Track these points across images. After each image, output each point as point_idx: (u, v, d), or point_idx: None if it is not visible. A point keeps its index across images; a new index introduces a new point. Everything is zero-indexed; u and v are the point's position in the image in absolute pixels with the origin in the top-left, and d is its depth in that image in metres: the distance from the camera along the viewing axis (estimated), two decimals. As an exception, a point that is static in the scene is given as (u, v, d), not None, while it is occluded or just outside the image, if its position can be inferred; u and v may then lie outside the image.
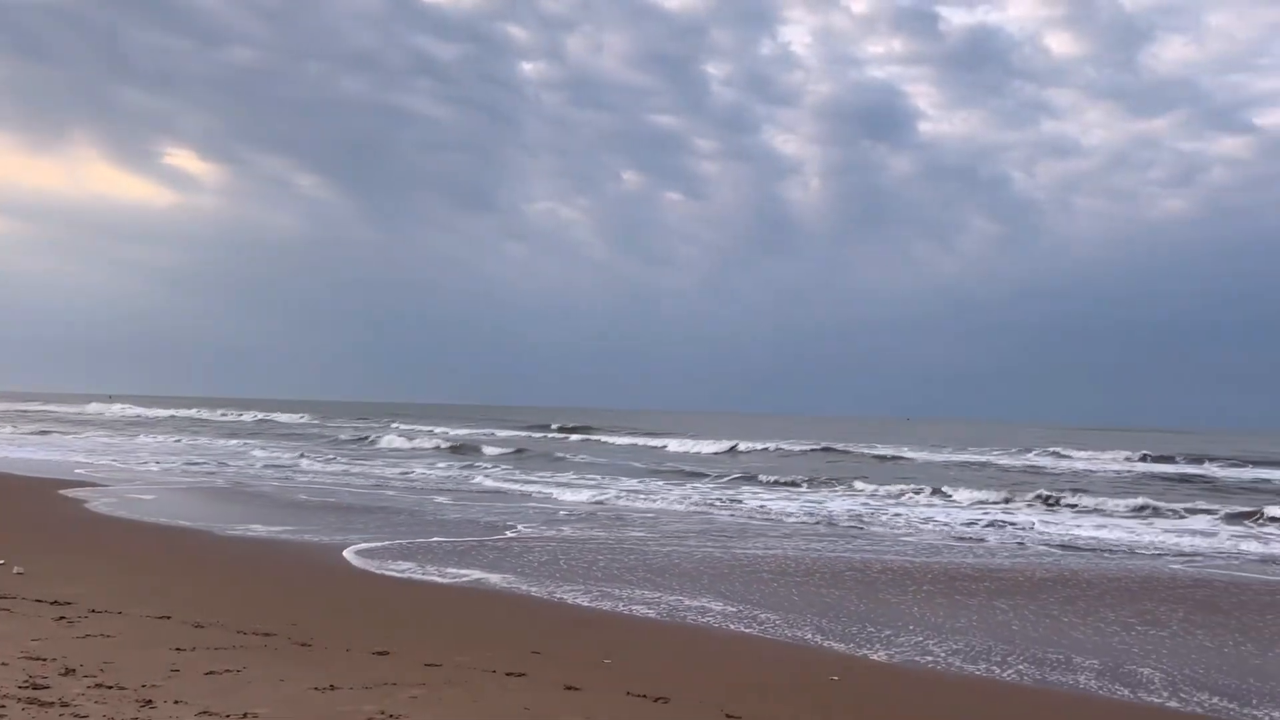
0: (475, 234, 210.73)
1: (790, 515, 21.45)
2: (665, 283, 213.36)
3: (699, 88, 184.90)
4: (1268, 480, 33.75)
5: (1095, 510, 23.59)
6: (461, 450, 44.52)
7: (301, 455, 38.10)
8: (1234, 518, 21.96)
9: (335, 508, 20.44)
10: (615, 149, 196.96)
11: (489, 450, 44.18)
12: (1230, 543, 18.29)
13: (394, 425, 63.93)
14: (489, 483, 28.47)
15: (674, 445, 47.94)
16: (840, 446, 47.78)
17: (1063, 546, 17.42)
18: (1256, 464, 40.67)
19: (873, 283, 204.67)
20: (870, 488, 27.69)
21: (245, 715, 5.86)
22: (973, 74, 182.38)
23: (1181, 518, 22.18)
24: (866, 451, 45.51)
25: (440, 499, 23.12)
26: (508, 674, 7.50)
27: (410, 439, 49.31)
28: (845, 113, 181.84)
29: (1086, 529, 19.97)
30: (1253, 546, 17.83)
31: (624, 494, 25.47)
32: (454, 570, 13.05)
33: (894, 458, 42.80)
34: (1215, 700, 7.94)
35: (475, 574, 12.79)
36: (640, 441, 51.93)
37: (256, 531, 16.37)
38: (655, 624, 10.27)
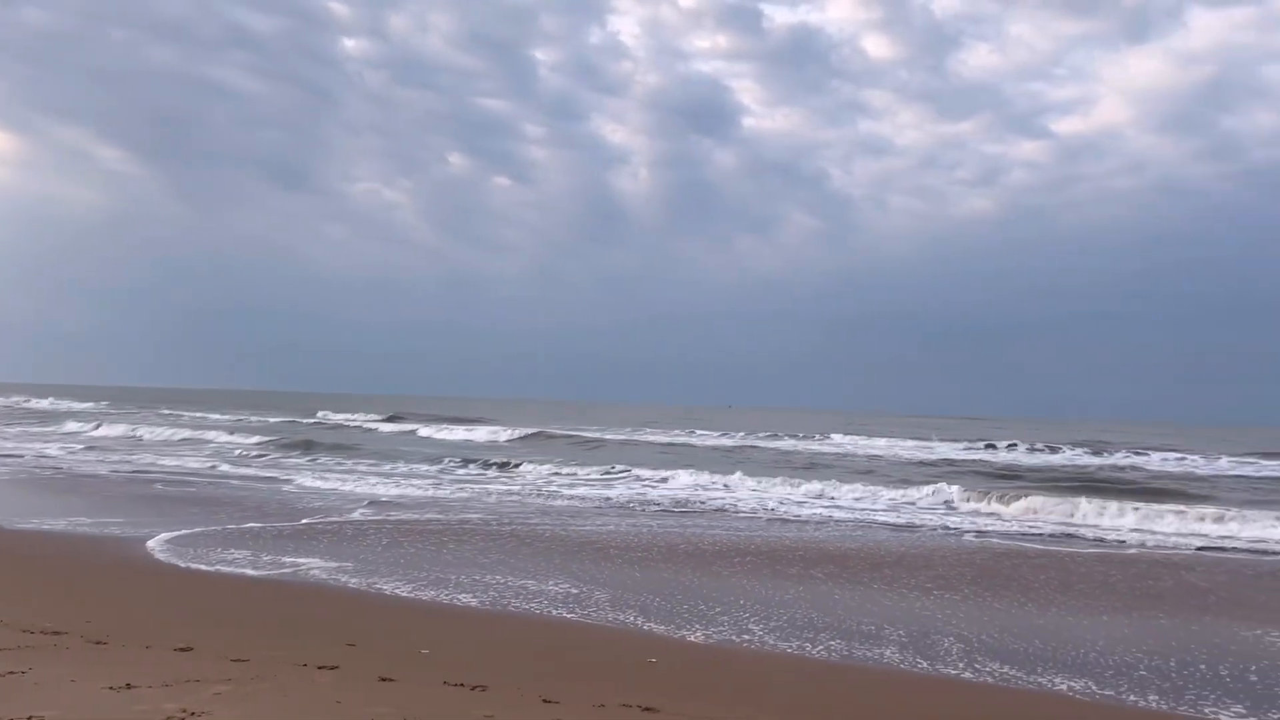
0: (293, 214, 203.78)
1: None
2: (493, 269, 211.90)
3: (527, 73, 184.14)
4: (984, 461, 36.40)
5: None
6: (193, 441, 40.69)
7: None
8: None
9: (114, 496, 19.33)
10: (441, 131, 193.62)
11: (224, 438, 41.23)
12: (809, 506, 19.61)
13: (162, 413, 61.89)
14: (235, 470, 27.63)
15: (460, 433, 48.36)
16: (554, 430, 49.28)
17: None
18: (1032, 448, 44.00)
19: (699, 273, 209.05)
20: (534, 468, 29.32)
21: (30, 718, 5.46)
22: (794, 72, 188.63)
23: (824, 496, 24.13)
24: (579, 434, 47.61)
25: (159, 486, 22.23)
26: (319, 667, 7.26)
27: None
28: (673, 105, 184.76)
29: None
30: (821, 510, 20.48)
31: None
32: (268, 559, 12.57)
33: (598, 440, 44.67)
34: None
35: (292, 563, 12.36)
36: (414, 429, 51.47)
37: (50, 525, 15.31)
38: (478, 613, 10.19)
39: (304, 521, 16.76)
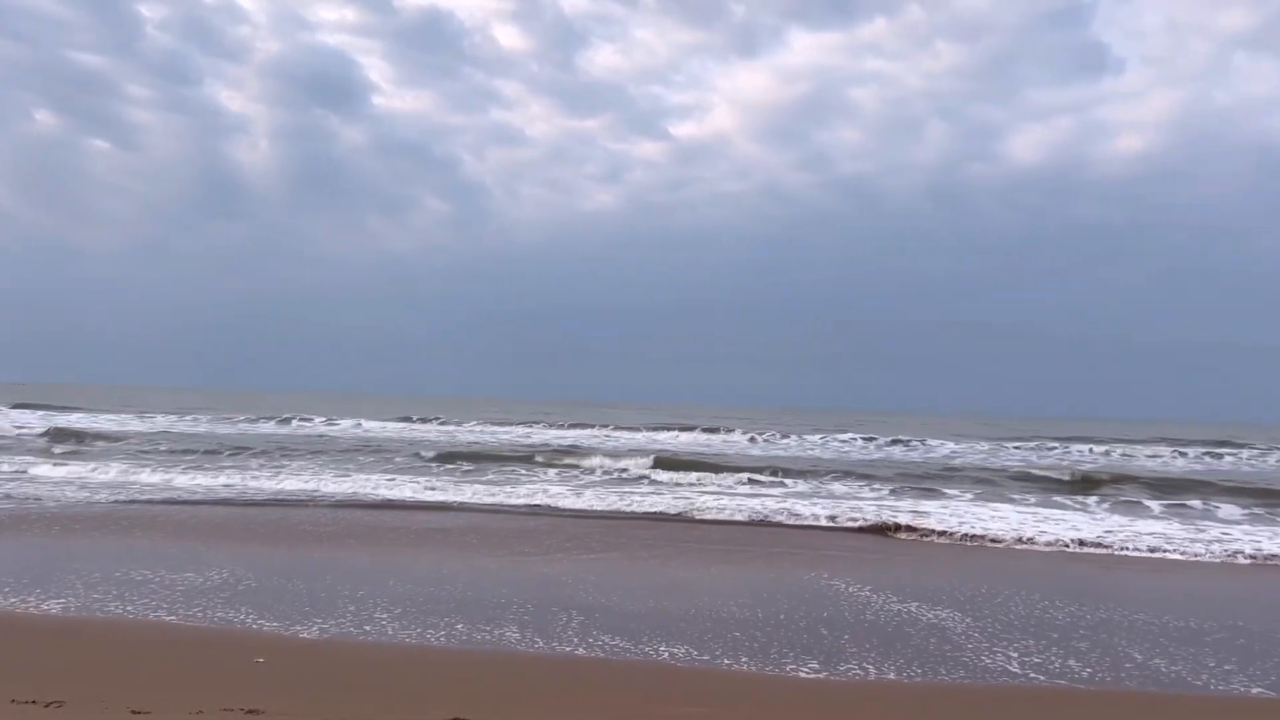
0: None
1: None
2: (89, 240, 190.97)
3: (130, 28, 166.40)
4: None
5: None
6: None
7: None
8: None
9: None
10: (26, 85, 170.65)
11: None
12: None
13: None
14: None
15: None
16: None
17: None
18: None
19: (329, 253, 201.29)
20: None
21: None
22: (425, 54, 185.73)
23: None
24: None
25: None
26: None
27: None
28: (296, 76, 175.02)
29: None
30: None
31: None
32: None
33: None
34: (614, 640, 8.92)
35: None
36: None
37: None
38: (57, 620, 9.18)
39: None
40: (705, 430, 46.02)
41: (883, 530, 17.19)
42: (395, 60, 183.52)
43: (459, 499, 20.30)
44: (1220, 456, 39.97)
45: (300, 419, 49.28)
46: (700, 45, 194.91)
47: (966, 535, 16.80)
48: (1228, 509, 20.96)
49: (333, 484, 22.01)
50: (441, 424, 49.82)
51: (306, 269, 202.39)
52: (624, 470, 27.17)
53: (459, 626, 9.30)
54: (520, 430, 46.71)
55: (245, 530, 15.41)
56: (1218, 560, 15.11)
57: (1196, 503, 22.02)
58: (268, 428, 44.86)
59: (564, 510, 19.07)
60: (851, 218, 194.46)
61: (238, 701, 6.49)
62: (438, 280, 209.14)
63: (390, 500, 19.97)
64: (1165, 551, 15.56)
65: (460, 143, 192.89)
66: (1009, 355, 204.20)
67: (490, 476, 24.95)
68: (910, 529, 17.16)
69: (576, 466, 28.16)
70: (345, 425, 47.28)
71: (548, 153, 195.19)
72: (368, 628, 9.19)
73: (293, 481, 22.42)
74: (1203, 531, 17.37)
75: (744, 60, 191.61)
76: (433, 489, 21.84)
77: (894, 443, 41.92)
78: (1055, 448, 42.03)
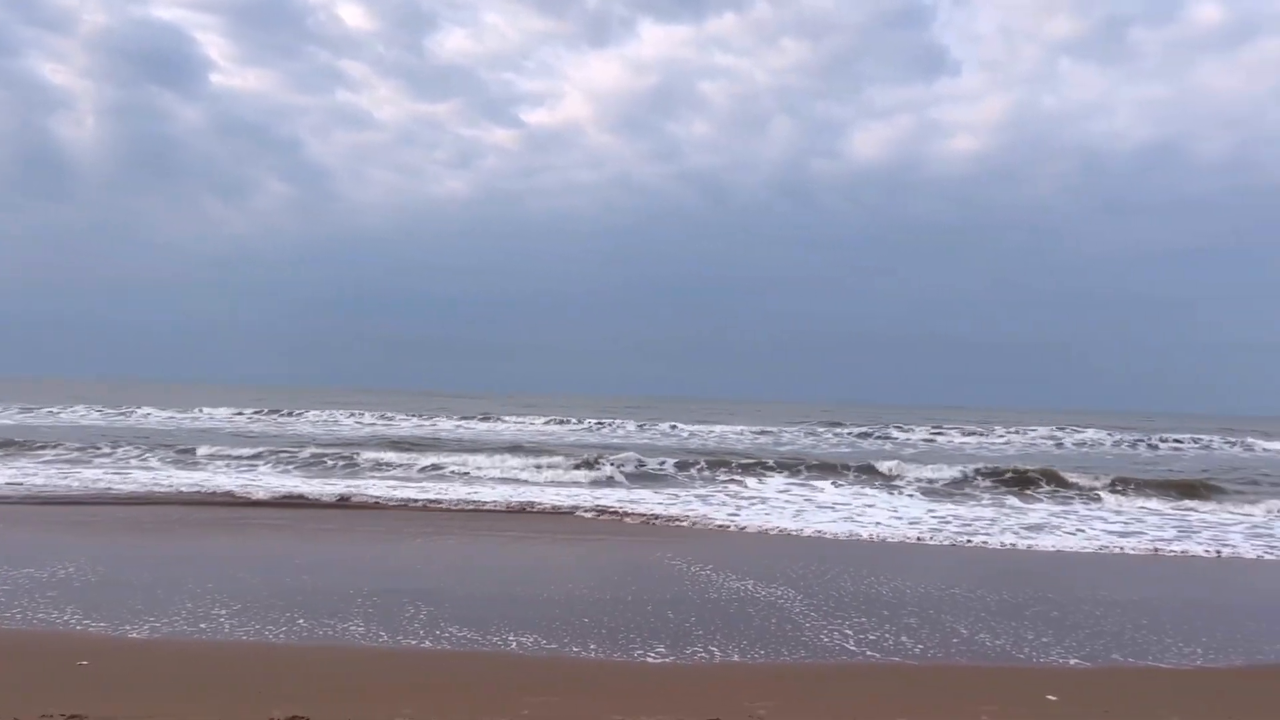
0: None
1: None
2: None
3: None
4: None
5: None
6: None
7: None
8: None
9: None
10: None
11: None
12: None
13: None
14: None
15: None
16: None
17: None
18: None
19: (161, 236, 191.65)
20: None
21: None
22: (266, 32, 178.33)
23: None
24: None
25: None
26: None
27: None
28: (127, 50, 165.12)
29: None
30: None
31: None
32: None
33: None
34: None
35: None
36: None
37: None
38: None
39: None
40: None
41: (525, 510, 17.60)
42: (234, 37, 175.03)
43: (310, 490, 19.78)
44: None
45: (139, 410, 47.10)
46: (552, 33, 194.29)
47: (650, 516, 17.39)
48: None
49: (180, 475, 21.10)
50: (287, 415, 48.22)
51: (139, 252, 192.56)
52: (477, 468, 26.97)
53: (301, 621, 9.05)
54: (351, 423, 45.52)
55: (68, 526, 14.63)
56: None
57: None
58: (93, 419, 42.66)
59: (389, 501, 18.81)
60: (702, 210, 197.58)
61: (59, 707, 6.17)
62: (280, 266, 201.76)
63: (231, 493, 19.26)
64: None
65: (304, 124, 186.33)
66: (853, 347, 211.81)
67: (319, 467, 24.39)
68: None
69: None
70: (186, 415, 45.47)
71: (396, 136, 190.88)
72: (204, 625, 8.86)
73: (116, 474, 21.37)
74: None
75: (596, 50, 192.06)
76: (284, 482, 21.20)
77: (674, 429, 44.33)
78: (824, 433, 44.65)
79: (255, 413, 47.44)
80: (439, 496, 18.87)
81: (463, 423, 46.14)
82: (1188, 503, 21.10)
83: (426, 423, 45.74)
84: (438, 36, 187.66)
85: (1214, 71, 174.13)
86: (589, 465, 24.98)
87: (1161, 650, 8.93)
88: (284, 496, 18.65)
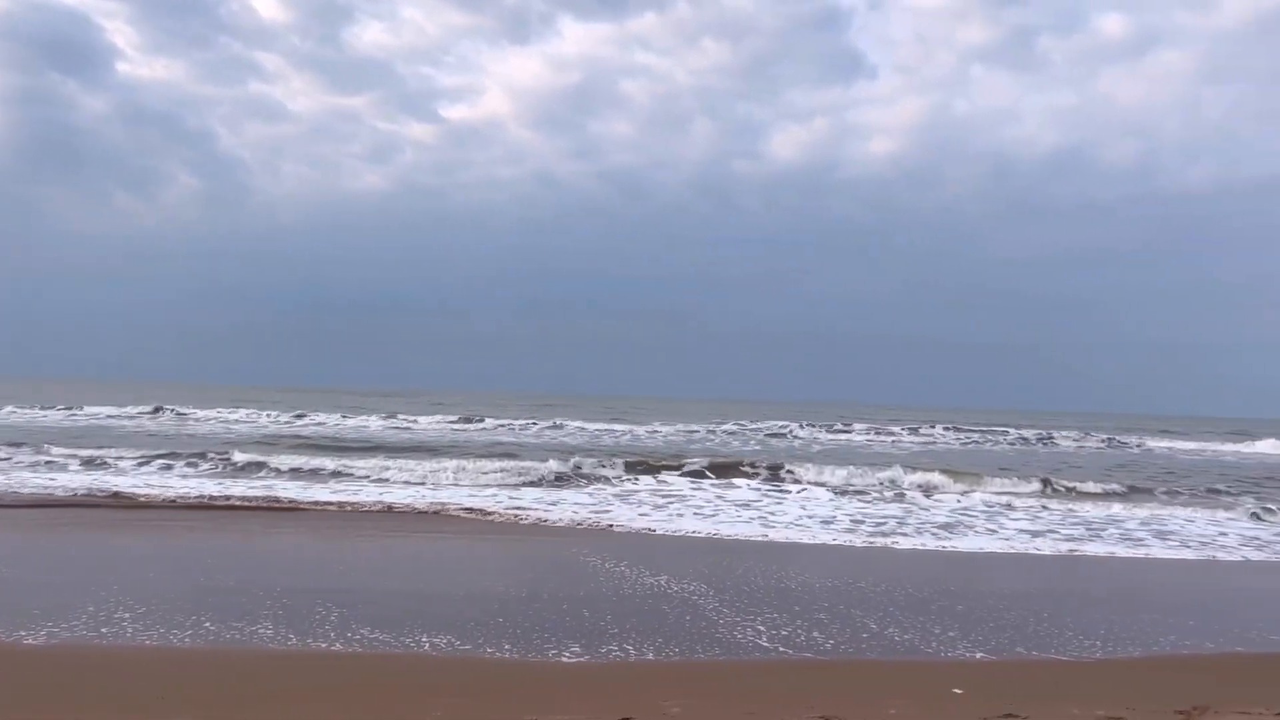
0: None
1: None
2: None
3: None
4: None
5: None
6: None
7: None
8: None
9: None
10: None
11: None
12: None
13: None
14: None
15: None
16: None
17: None
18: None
19: (64, 229, 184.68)
20: None
21: None
22: (176, 20, 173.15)
23: None
24: None
25: None
26: None
27: None
28: (27, 36, 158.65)
29: None
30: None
31: None
32: None
33: None
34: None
35: None
36: None
37: None
38: None
39: None
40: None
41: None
42: (142, 25, 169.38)
43: (217, 491, 19.30)
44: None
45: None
46: (471, 28, 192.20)
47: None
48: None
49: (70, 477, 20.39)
50: (185, 413, 46.67)
51: (40, 246, 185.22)
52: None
53: (208, 625, 8.84)
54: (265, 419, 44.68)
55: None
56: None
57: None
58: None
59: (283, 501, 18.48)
60: (622, 209, 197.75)
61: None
62: (192, 260, 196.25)
63: (124, 495, 18.67)
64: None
65: (215, 115, 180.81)
66: (773, 346, 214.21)
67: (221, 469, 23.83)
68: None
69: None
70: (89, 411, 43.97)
71: (311, 129, 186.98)
72: (106, 630, 8.58)
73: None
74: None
75: (516, 46, 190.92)
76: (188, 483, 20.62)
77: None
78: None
79: (146, 411, 45.79)
80: (350, 498, 18.57)
81: (374, 420, 45.50)
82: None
83: (340, 421, 44.94)
84: (354, 29, 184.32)
85: (1118, 81, 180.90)
86: (504, 466, 24.84)
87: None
88: (182, 498, 18.15)
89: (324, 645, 8.38)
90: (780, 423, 49.77)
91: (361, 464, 24.01)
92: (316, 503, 17.86)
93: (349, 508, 17.46)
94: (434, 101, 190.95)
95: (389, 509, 17.55)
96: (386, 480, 21.93)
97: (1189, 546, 15.96)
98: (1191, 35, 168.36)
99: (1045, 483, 24.27)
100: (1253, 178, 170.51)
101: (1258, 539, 17.08)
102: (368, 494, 19.20)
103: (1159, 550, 15.55)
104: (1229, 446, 48.24)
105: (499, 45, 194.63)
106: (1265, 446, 47.19)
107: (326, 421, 44.20)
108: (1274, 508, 20.53)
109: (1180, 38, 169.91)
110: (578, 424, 45.37)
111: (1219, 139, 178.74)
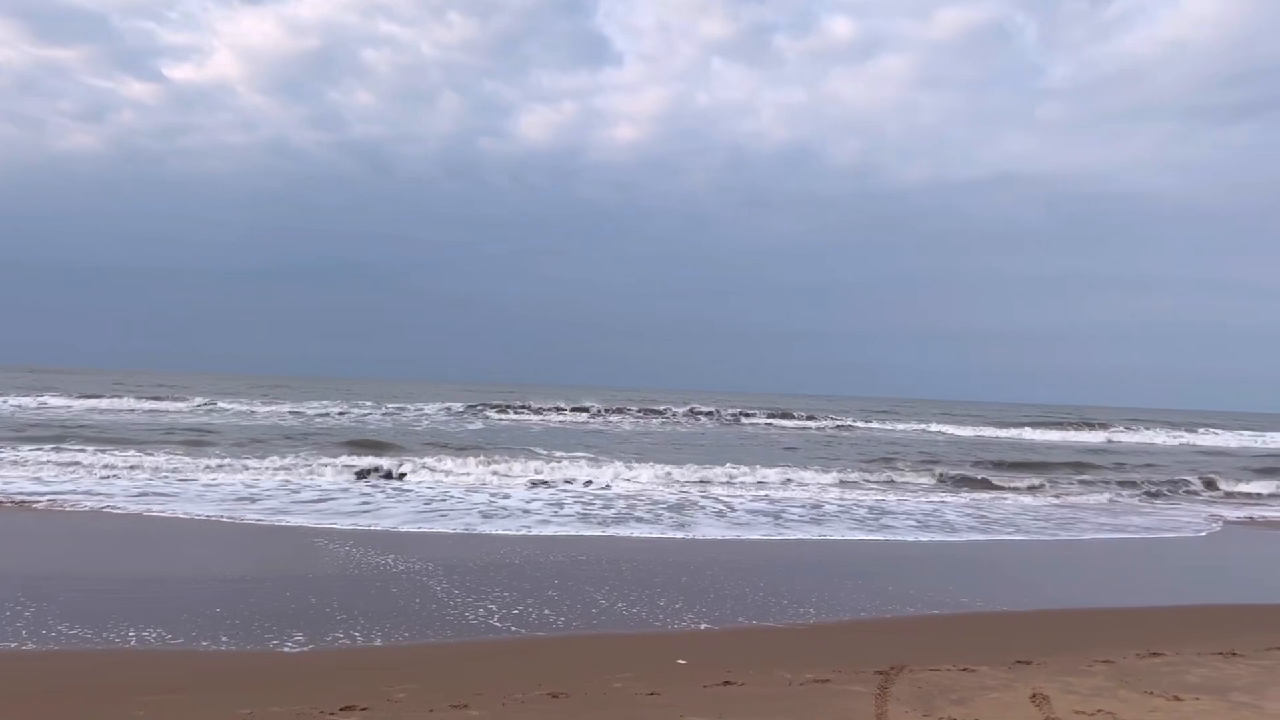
0: None
1: None
2: None
3: None
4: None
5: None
6: None
7: None
8: None
9: None
10: None
11: None
12: None
13: None
14: None
15: None
16: None
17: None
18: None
19: None
20: None
21: None
22: None
23: None
24: None
25: None
26: None
27: None
28: None
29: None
30: None
31: None
32: None
33: None
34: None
35: None
36: None
37: None
38: None
39: None
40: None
41: None
42: None
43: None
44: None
45: None
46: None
47: None
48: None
49: None
50: None
51: None
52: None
53: None
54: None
55: None
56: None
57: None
58: None
59: None
60: (366, 182, 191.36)
61: None
62: None
63: None
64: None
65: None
66: (517, 327, 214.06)
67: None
68: None
69: None
70: None
71: (13, 82, 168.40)
72: None
73: None
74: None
75: (249, 6, 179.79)
76: None
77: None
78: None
79: None
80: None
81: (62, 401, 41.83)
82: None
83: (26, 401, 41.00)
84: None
85: (844, 82, 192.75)
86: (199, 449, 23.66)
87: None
88: None
89: (13, 645, 7.64)
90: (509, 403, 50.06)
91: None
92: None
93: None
94: (156, 59, 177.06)
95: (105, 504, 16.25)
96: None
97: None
98: (911, 42, 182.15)
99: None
100: (961, 180, 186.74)
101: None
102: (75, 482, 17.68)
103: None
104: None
105: (229, 4, 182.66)
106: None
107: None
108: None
109: (902, 44, 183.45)
110: (286, 406, 43.46)
111: (932, 142, 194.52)
